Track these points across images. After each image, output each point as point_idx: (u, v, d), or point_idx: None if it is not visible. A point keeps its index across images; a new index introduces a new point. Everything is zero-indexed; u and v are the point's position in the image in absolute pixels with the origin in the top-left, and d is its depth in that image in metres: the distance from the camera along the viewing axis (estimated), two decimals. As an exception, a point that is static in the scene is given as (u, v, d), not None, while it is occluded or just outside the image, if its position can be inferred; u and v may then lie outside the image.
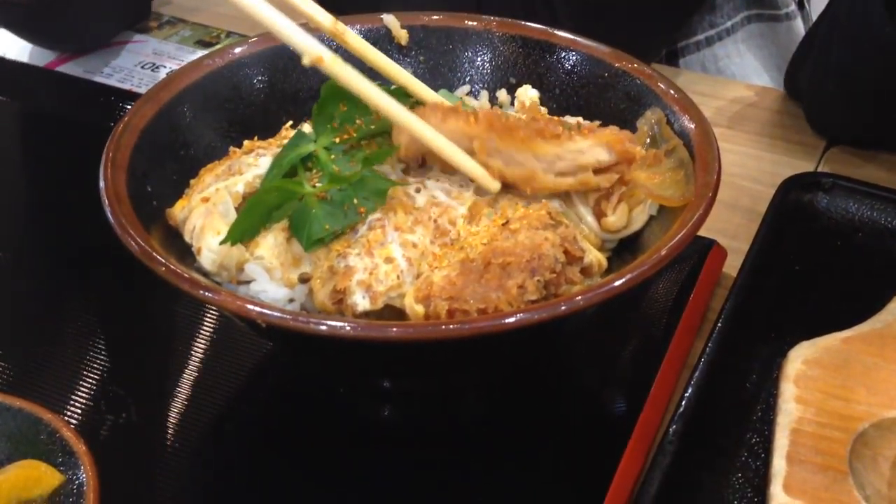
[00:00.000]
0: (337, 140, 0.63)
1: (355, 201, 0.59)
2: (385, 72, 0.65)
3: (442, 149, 0.60)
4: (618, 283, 0.53)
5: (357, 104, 0.63)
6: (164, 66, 1.06)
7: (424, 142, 0.60)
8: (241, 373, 0.69)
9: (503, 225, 0.59)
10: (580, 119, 0.71)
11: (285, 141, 0.66)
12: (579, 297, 0.52)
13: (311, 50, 0.56)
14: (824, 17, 0.93)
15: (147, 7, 1.14)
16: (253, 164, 0.65)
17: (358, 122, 0.63)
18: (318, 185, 0.61)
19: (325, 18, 0.63)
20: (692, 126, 0.66)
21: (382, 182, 0.60)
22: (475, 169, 0.61)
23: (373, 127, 0.63)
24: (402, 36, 0.77)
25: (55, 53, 1.06)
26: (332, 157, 0.62)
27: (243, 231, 0.59)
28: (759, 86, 1.05)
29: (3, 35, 1.08)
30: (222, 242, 0.60)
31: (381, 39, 0.77)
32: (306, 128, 0.65)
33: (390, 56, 0.77)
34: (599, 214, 0.65)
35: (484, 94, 0.77)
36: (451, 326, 0.51)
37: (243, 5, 0.55)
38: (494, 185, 0.61)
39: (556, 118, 0.69)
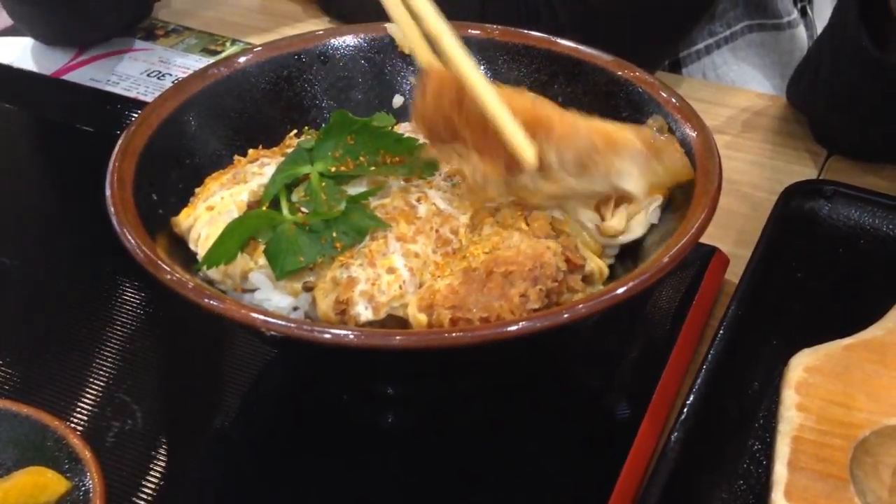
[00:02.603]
0: (333, 169, 0.62)
1: (334, 234, 0.59)
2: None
3: (486, 101, 0.58)
4: (620, 290, 0.54)
5: (365, 142, 0.63)
6: (170, 74, 1.06)
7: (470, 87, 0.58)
8: (245, 380, 0.70)
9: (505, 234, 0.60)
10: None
11: (289, 150, 0.67)
12: (581, 306, 0.53)
13: None
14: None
15: (149, 6, 1.14)
16: (258, 172, 0.65)
17: (361, 159, 0.63)
18: (303, 209, 0.61)
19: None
20: (693, 134, 0.66)
21: (365, 220, 0.60)
22: (516, 133, 0.57)
23: (373, 168, 0.63)
24: (405, 45, 0.78)
25: (62, 61, 1.07)
26: (324, 184, 0.62)
27: (220, 255, 0.59)
28: (762, 93, 1.06)
29: (11, 43, 1.09)
30: (198, 268, 0.60)
31: (385, 48, 0.78)
32: (307, 141, 0.65)
33: (394, 64, 0.78)
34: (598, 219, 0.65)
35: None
36: (455, 335, 0.52)
37: None
38: (530, 157, 0.57)
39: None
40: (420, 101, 0.61)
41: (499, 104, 0.57)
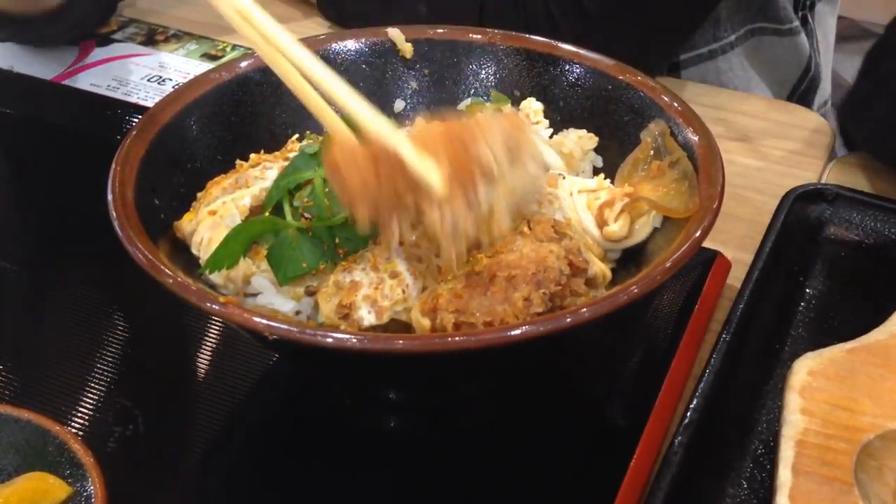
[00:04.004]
0: None
1: (337, 240, 0.59)
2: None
3: (381, 130, 0.53)
4: (623, 294, 0.54)
5: None
6: (171, 80, 1.06)
7: (357, 118, 0.53)
8: (247, 384, 0.70)
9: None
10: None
11: (291, 154, 0.67)
12: (584, 310, 0.53)
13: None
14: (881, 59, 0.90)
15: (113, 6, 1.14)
16: (259, 177, 0.65)
17: None
18: (306, 214, 0.61)
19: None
20: (696, 138, 0.66)
21: None
22: (418, 161, 0.52)
23: None
24: (406, 49, 0.78)
25: (62, 66, 1.07)
26: (327, 189, 0.61)
27: (223, 259, 0.59)
28: (764, 98, 1.06)
29: (10, 48, 1.09)
30: (200, 271, 0.60)
31: (386, 53, 0.78)
32: (310, 146, 0.65)
33: (395, 69, 0.78)
34: (601, 224, 0.65)
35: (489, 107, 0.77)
36: (458, 339, 0.51)
37: None
38: (439, 182, 0.53)
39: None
40: (350, 190, 0.54)
41: (396, 137, 0.53)
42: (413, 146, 0.53)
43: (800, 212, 0.79)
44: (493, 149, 0.55)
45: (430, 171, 0.53)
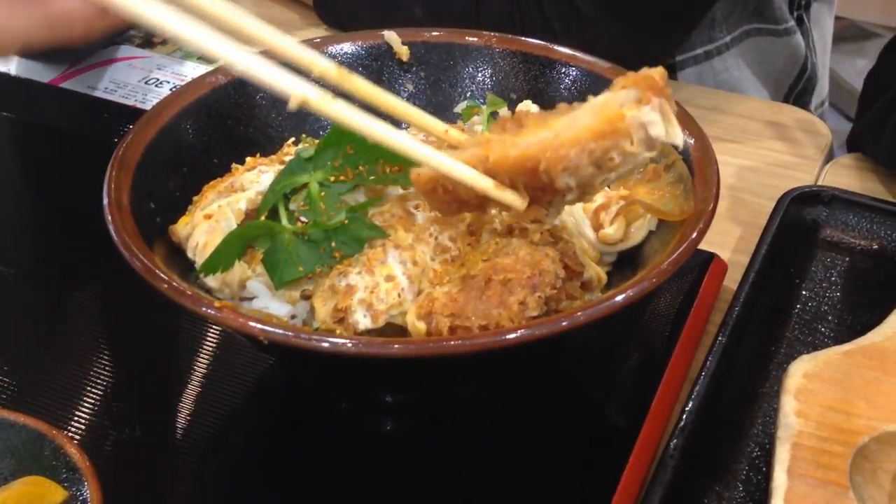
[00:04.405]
0: (332, 179, 0.62)
1: (333, 244, 0.59)
2: (394, 112, 0.57)
3: (464, 175, 0.55)
4: (619, 298, 0.54)
5: (365, 152, 0.62)
6: (168, 82, 1.06)
7: (443, 171, 0.55)
8: (243, 388, 0.70)
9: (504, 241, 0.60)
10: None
11: (286, 158, 0.67)
12: (580, 313, 0.53)
13: (295, 91, 0.52)
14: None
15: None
16: (255, 180, 0.65)
17: (360, 168, 0.62)
18: (302, 218, 0.61)
19: (328, 66, 0.56)
20: (691, 141, 0.66)
21: (364, 230, 0.59)
22: (499, 192, 0.55)
23: (372, 178, 0.62)
24: (403, 52, 0.78)
25: (58, 70, 1.07)
26: (323, 193, 0.61)
27: (218, 262, 0.59)
28: (760, 100, 1.06)
29: (8, 51, 1.09)
30: (195, 274, 0.60)
31: (383, 56, 0.78)
32: (306, 150, 0.65)
33: (391, 72, 0.79)
34: (597, 227, 0.65)
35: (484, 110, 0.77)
36: (453, 343, 0.51)
37: (212, 53, 0.52)
38: (521, 203, 0.55)
39: None
40: (432, 201, 0.59)
41: (473, 177, 0.55)
42: (491, 181, 0.55)
43: (796, 214, 0.79)
44: (577, 173, 0.53)
45: (511, 199, 0.56)
